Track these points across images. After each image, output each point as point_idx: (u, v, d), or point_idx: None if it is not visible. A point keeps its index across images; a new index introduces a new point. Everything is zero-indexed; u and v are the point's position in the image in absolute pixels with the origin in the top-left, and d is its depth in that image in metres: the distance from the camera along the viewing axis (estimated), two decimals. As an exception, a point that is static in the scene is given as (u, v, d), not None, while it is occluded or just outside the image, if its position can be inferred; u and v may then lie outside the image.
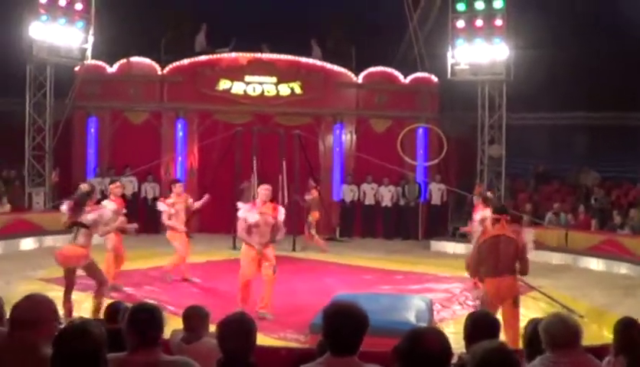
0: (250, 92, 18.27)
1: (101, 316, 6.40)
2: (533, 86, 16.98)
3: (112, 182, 12.25)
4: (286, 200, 14.35)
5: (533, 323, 4.15)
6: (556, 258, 14.61)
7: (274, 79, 18.30)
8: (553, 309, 9.17)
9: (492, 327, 3.98)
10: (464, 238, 14.65)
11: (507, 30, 16.73)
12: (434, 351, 2.83)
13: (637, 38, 16.52)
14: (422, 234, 18.05)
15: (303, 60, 18.62)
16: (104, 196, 11.88)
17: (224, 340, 3.52)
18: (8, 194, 16.18)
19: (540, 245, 12.29)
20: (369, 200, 18.22)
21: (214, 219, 16.97)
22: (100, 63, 17.82)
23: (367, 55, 18.52)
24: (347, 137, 18.79)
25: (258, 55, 18.44)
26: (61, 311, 7.18)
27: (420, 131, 18.19)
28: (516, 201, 17.44)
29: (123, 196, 11.86)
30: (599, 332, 7.98)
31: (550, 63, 17.34)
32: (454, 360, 3.33)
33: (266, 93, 18.30)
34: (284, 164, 15.25)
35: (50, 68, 16.74)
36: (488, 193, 12.69)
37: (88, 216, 8.37)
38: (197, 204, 11.87)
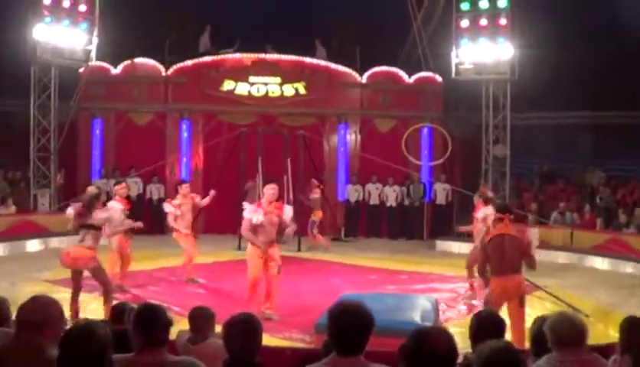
0: (255, 92, 18.28)
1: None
2: (538, 85, 16.96)
3: (117, 183, 12.26)
4: (292, 201, 14.34)
5: (540, 321, 4.14)
6: (561, 258, 14.59)
7: (278, 80, 18.30)
8: (558, 308, 9.14)
9: (498, 327, 3.98)
10: (469, 237, 14.60)
11: (511, 30, 16.68)
12: (440, 350, 2.83)
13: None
14: (427, 234, 18.02)
15: (307, 60, 18.62)
16: (109, 198, 11.88)
17: (230, 341, 3.52)
18: (14, 196, 16.23)
19: (545, 245, 12.25)
20: (374, 200, 18.22)
21: (219, 220, 16.99)
22: (105, 64, 17.86)
23: (372, 55, 18.50)
24: (352, 137, 18.78)
25: (262, 56, 18.46)
26: (68, 313, 7.18)
27: (425, 130, 18.15)
28: (521, 201, 17.40)
29: (128, 197, 11.83)
30: (604, 332, 7.94)
31: (554, 62, 17.31)
32: (460, 360, 3.33)
33: (270, 94, 18.31)
34: (289, 164, 15.25)
35: (55, 70, 16.78)
36: (489, 193, 12.65)
37: (100, 215, 8.35)
38: (205, 201, 11.82)
